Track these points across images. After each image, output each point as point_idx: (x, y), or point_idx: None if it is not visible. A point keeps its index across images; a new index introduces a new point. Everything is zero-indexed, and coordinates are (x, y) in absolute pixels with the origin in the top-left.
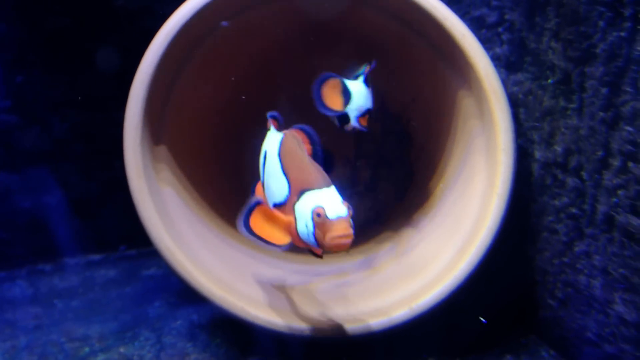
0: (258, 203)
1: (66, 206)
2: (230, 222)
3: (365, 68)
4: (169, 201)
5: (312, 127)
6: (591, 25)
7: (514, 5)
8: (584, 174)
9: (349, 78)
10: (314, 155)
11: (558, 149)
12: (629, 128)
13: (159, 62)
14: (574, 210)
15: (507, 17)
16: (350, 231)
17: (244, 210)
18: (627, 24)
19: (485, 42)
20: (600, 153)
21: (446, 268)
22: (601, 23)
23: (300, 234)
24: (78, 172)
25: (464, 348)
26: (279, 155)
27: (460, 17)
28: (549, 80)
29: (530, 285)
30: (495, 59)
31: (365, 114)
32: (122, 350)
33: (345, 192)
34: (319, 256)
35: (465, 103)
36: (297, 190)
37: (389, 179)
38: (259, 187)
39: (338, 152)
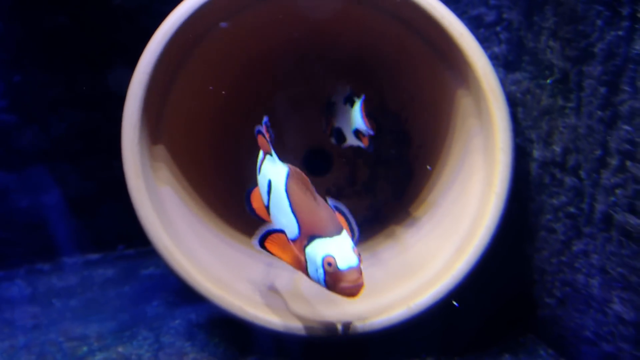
0: (278, 231)
1: (64, 205)
2: (228, 221)
3: (360, 102)
4: (167, 200)
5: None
6: (589, 25)
7: (512, 4)
8: (582, 173)
9: (343, 102)
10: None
11: (556, 148)
12: (627, 127)
13: (157, 62)
14: (572, 209)
15: (505, 16)
16: (361, 281)
17: (262, 232)
18: (625, 23)
19: (484, 41)
20: (598, 152)
21: (444, 267)
22: (599, 22)
23: (310, 276)
24: (76, 171)
25: (463, 347)
26: (287, 191)
27: (458, 16)
28: (547, 80)
29: (528, 284)
30: (494, 58)
31: (366, 135)
32: (120, 349)
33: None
34: None
35: (464, 102)
36: (307, 234)
37: (387, 178)
38: (256, 194)
39: (336, 151)
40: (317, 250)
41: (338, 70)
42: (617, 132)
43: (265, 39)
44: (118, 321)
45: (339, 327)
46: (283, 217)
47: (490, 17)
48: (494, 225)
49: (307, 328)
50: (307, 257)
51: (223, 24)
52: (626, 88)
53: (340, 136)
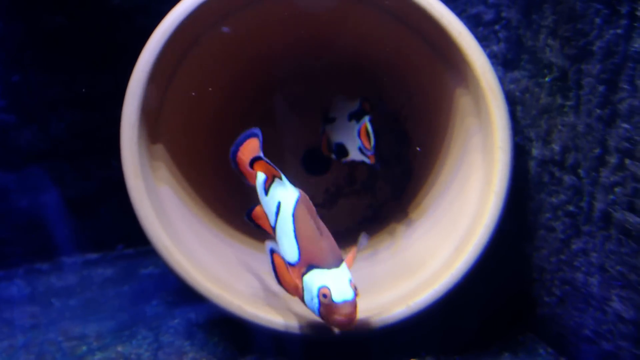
0: (277, 254)
1: (63, 205)
2: (227, 220)
3: (366, 119)
4: (166, 200)
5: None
6: (588, 23)
7: (511, 2)
8: (581, 171)
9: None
10: None
11: (555, 146)
12: (626, 125)
13: (155, 61)
14: (571, 207)
15: (504, 14)
16: (355, 315)
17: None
18: (624, 21)
19: (482, 40)
20: (597, 150)
21: (444, 266)
22: (598, 20)
23: (306, 303)
24: (75, 170)
25: (462, 346)
26: (293, 216)
27: (457, 15)
28: (546, 78)
29: (527, 283)
30: (492, 57)
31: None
32: (119, 349)
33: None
34: None
35: (463, 101)
36: (306, 262)
37: (386, 177)
38: (259, 211)
39: None
40: (315, 280)
41: (337, 70)
42: (616, 131)
43: (265, 37)
44: (117, 321)
45: None
46: (286, 242)
47: (489, 15)
48: (493, 224)
49: (306, 327)
50: (304, 284)
51: (222, 24)
52: (625, 86)
53: (342, 151)
